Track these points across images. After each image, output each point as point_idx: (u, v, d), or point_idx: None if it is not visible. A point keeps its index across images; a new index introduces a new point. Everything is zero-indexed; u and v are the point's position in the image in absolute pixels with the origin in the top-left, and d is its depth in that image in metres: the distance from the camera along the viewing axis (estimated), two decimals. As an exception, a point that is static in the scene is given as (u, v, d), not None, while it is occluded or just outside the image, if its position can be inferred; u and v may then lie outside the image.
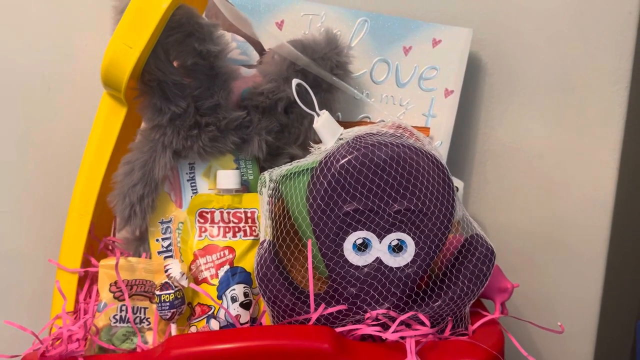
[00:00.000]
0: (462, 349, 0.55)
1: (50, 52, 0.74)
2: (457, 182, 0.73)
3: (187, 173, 0.63)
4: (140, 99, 0.58)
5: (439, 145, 0.76)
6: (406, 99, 0.75)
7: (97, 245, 0.65)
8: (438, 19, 0.76)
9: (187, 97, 0.59)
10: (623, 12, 0.78)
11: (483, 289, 0.58)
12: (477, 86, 0.80)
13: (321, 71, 0.65)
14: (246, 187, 0.65)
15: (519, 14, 0.78)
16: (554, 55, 0.80)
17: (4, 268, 0.77)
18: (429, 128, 0.75)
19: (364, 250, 0.55)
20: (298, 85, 0.57)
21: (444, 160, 0.56)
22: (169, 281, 0.58)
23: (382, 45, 0.74)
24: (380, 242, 0.55)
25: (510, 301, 0.86)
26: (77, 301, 0.62)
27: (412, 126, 0.74)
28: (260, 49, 0.72)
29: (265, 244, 0.56)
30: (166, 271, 0.59)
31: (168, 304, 0.57)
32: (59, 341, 0.56)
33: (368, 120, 0.75)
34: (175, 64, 0.59)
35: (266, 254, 0.56)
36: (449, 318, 0.57)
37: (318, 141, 0.59)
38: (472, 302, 0.58)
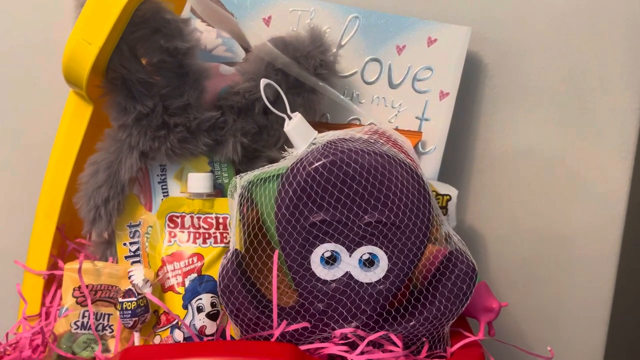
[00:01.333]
0: (435, 374, 0.51)
1: (35, 48, 0.72)
2: (451, 191, 0.69)
3: (158, 175, 0.61)
4: (106, 97, 0.56)
5: (432, 151, 0.71)
6: (398, 100, 0.71)
7: (67, 248, 0.63)
8: (434, 17, 0.72)
9: (154, 96, 0.56)
10: (636, 11, 0.72)
11: (463, 308, 0.53)
12: (476, 88, 0.75)
13: (302, 72, 0.61)
14: (220, 190, 0.62)
15: (523, 12, 0.73)
16: (562, 56, 0.74)
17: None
18: (421, 132, 0.71)
19: (332, 264, 0.51)
20: (269, 85, 0.54)
21: (421, 170, 0.52)
22: (132, 288, 0.56)
23: (374, 44, 0.70)
24: (350, 256, 0.51)
25: (514, 316, 0.82)
26: (43, 305, 0.60)
27: (404, 130, 0.71)
28: (247, 47, 0.69)
29: (229, 255, 0.53)
30: (130, 277, 0.57)
31: (130, 312, 0.55)
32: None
33: (358, 123, 0.72)
34: (143, 61, 0.57)
35: (229, 265, 0.53)
36: (424, 339, 0.53)
37: (296, 145, 0.55)
38: (450, 322, 0.54)
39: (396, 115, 0.71)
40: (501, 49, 0.74)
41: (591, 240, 0.78)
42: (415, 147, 0.71)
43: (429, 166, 0.72)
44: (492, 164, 0.78)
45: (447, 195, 0.69)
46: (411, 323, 0.53)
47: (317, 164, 0.50)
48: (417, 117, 0.71)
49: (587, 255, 0.78)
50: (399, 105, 0.71)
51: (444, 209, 0.69)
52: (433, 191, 0.67)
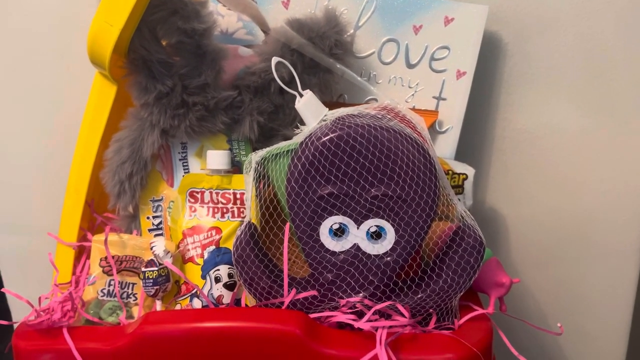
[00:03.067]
0: (441, 344, 0.52)
1: (69, 32, 0.76)
2: (468, 170, 0.70)
3: (179, 152, 0.64)
4: (128, 77, 0.59)
5: (450, 130, 0.72)
6: (415, 80, 0.72)
7: (96, 221, 0.67)
8: (451, -4, 0.72)
9: (173, 75, 0.59)
10: (661, -14, 0.70)
11: (471, 282, 0.54)
12: (495, 68, 0.75)
13: (317, 53, 0.63)
14: (238, 168, 0.64)
15: (543, -11, 0.73)
16: (583, 33, 0.73)
17: (23, 239, 0.81)
18: (438, 112, 0.72)
19: (340, 236, 0.53)
20: (283, 64, 0.56)
21: (428, 145, 0.53)
22: (154, 258, 0.59)
23: (390, 24, 0.71)
24: (357, 228, 0.53)
25: (534, 296, 0.82)
26: (73, 273, 0.64)
27: (421, 110, 0.72)
28: (266, 30, 0.71)
29: (243, 226, 0.56)
30: (151, 248, 0.60)
31: (151, 280, 0.58)
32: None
33: (375, 104, 0.73)
34: (163, 42, 0.59)
35: (242, 236, 0.55)
36: (432, 311, 0.54)
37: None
38: (458, 295, 0.55)
39: (413, 95, 0.72)
40: (520, 28, 0.73)
41: (612, 221, 0.77)
42: (432, 126, 0.72)
43: (445, 145, 0.72)
44: (511, 143, 0.77)
45: (463, 174, 0.69)
46: (418, 295, 0.54)
47: (325, 139, 0.51)
48: (434, 97, 0.72)
49: (608, 236, 0.77)
50: (416, 85, 0.72)
51: (460, 187, 0.69)
52: (449, 170, 0.68)
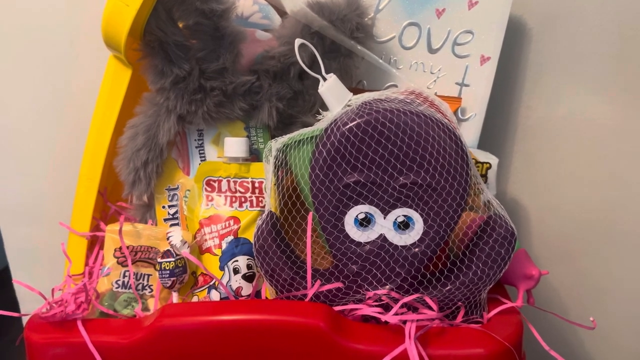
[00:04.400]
0: (471, 338, 0.50)
1: (80, 16, 0.74)
2: (491, 159, 0.68)
3: (195, 140, 0.61)
4: (143, 60, 0.57)
5: (473, 118, 0.70)
6: (438, 66, 0.69)
7: (109, 210, 0.65)
8: (476, -22, 0.69)
9: (190, 59, 0.56)
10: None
11: (501, 274, 0.52)
12: (520, 53, 0.73)
13: (338, 35, 0.61)
14: (256, 156, 0.62)
15: (571, -29, 0.70)
16: (611, 18, 0.70)
17: (34, 229, 0.79)
18: (461, 98, 0.69)
19: (366, 226, 0.51)
20: (305, 46, 0.53)
21: (459, 131, 0.51)
22: (170, 249, 0.57)
23: (412, 8, 0.68)
24: (384, 218, 0.51)
25: (557, 288, 0.79)
26: (86, 264, 0.62)
27: (444, 96, 0.69)
28: (283, 13, 0.68)
29: (264, 216, 0.54)
30: (168, 238, 0.58)
31: (168, 271, 0.56)
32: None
33: (400, 89, 0.70)
34: (180, 24, 0.57)
35: (264, 225, 0.53)
36: (460, 304, 0.52)
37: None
38: (488, 288, 0.52)
39: (435, 80, 0.70)
40: (546, 12, 0.71)
41: (638, 212, 0.75)
42: (455, 113, 0.69)
43: (468, 133, 0.70)
44: (535, 132, 0.75)
45: (486, 163, 0.67)
46: (447, 287, 0.52)
47: (351, 124, 0.49)
48: (456, 83, 0.70)
49: (634, 227, 0.75)
50: (438, 71, 0.69)
51: (484, 177, 0.67)
52: (472, 159, 0.66)
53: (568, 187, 0.76)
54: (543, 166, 0.76)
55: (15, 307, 0.84)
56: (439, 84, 0.70)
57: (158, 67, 0.56)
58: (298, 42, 0.52)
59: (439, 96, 0.68)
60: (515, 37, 0.71)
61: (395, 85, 0.70)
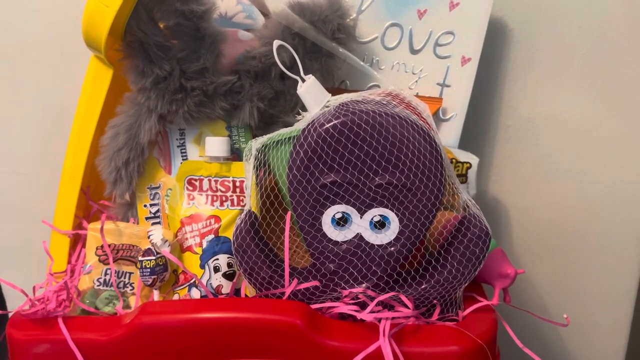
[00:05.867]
0: (445, 335, 0.51)
1: (63, 14, 0.74)
2: (471, 158, 0.68)
3: (177, 139, 0.62)
4: (124, 61, 0.57)
5: (453, 118, 0.71)
6: (419, 66, 0.70)
7: (92, 209, 0.66)
8: (457, -20, 0.70)
9: (171, 59, 0.57)
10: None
11: (476, 273, 0.53)
12: (500, 54, 0.74)
13: (319, 36, 0.61)
14: (237, 155, 0.63)
15: (550, -27, 0.71)
16: (591, 20, 0.71)
17: (19, 227, 0.79)
18: (442, 99, 0.70)
19: (343, 225, 0.52)
20: (285, 49, 0.54)
21: (435, 132, 0.51)
22: (152, 247, 0.57)
23: (394, 9, 0.69)
24: (361, 218, 0.52)
25: (536, 287, 0.81)
26: (68, 262, 0.62)
27: (425, 97, 0.70)
28: (267, 13, 0.69)
29: (243, 215, 0.54)
30: (149, 237, 0.58)
31: (149, 270, 0.57)
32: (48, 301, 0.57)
33: (378, 90, 0.71)
34: (161, 25, 0.57)
35: (242, 224, 0.54)
36: (436, 302, 0.53)
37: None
38: (463, 286, 0.53)
39: (417, 81, 0.71)
40: (526, 13, 0.72)
41: (616, 212, 0.76)
42: (436, 113, 0.70)
43: (449, 133, 0.71)
44: (515, 132, 0.76)
45: (467, 162, 0.68)
46: (422, 286, 0.53)
47: (327, 125, 0.50)
48: (438, 84, 0.70)
49: (611, 227, 0.76)
50: (420, 71, 0.70)
51: (464, 176, 0.68)
52: (452, 158, 0.67)
53: (547, 186, 0.77)
54: (523, 166, 0.77)
55: (2, 305, 0.85)
56: (420, 84, 0.71)
57: (139, 67, 0.56)
58: (276, 43, 0.53)
59: (420, 97, 0.69)
60: (496, 38, 0.72)
61: (378, 86, 0.71)
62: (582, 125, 0.75)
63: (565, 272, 0.80)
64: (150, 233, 0.58)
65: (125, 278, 0.60)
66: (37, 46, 0.75)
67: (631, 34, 0.71)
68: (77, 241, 0.64)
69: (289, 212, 0.53)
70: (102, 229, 0.58)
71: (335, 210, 0.51)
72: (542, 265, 0.80)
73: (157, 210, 0.62)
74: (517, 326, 0.57)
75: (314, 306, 0.53)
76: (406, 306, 0.52)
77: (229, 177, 0.61)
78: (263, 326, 0.51)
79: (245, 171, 0.57)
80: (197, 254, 0.59)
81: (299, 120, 0.55)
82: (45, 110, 0.76)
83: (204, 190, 0.61)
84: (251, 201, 0.56)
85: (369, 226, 0.52)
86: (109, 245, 0.59)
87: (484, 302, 0.55)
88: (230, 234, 0.59)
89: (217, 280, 0.58)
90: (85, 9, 0.52)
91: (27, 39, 0.75)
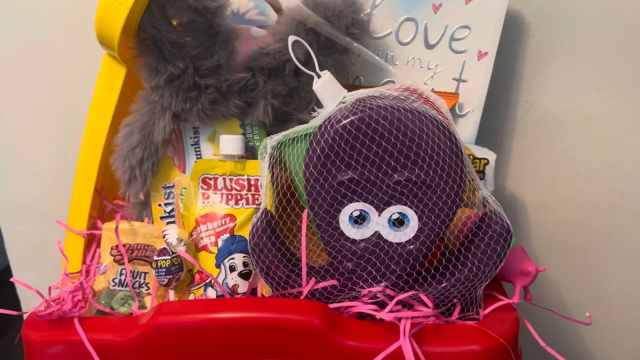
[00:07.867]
0: (466, 335, 0.50)
1: (76, 12, 0.74)
2: (489, 154, 0.67)
3: (191, 137, 0.61)
4: (138, 58, 0.56)
5: (470, 113, 0.69)
6: (435, 61, 0.69)
7: (106, 208, 0.65)
8: (473, -27, 0.69)
9: (185, 57, 0.56)
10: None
11: (497, 270, 0.52)
12: (517, 48, 0.72)
13: (333, 31, 0.60)
14: (252, 153, 0.62)
15: (568, -35, 0.70)
16: (609, 11, 0.70)
17: (33, 228, 0.79)
18: (458, 94, 0.69)
19: (361, 223, 0.51)
20: (300, 43, 0.53)
21: (454, 128, 0.50)
22: (167, 247, 0.57)
23: (409, 3, 0.68)
24: (379, 215, 0.51)
25: (554, 284, 0.79)
26: (83, 262, 0.62)
27: (441, 92, 0.69)
28: (278, 9, 0.68)
29: (259, 213, 0.54)
30: (164, 236, 0.58)
31: (164, 269, 0.56)
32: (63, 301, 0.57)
33: (395, 85, 0.70)
34: (174, 22, 0.57)
35: (259, 223, 0.53)
36: (456, 301, 0.52)
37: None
38: (484, 284, 0.52)
39: (432, 76, 0.69)
40: (544, 6, 0.70)
41: (637, 209, 0.74)
42: (452, 109, 0.69)
43: (466, 129, 0.70)
44: (533, 128, 0.75)
45: (484, 159, 0.67)
46: (442, 284, 0.52)
47: (345, 122, 0.49)
48: (454, 79, 0.69)
49: (633, 225, 0.75)
50: (435, 67, 0.69)
51: (481, 173, 0.67)
52: (470, 155, 0.66)
53: (566, 182, 0.76)
54: (541, 162, 0.75)
55: (17, 305, 0.85)
56: (436, 79, 0.69)
57: (152, 65, 0.56)
58: (291, 39, 0.52)
59: (436, 92, 0.68)
60: (513, 32, 0.71)
61: (392, 81, 0.70)
62: (602, 119, 0.73)
63: (585, 270, 0.78)
64: (165, 232, 0.58)
65: (140, 278, 0.59)
66: (50, 45, 0.74)
67: (652, 26, 0.69)
68: (92, 241, 0.63)
69: (306, 210, 0.53)
70: (116, 228, 0.58)
71: (352, 208, 0.51)
72: (561, 263, 0.79)
73: (172, 210, 0.62)
74: (538, 325, 0.56)
75: (332, 306, 0.52)
76: (426, 305, 0.51)
77: (243, 175, 0.60)
78: (280, 326, 0.50)
79: (260, 169, 0.56)
80: (212, 253, 0.58)
81: (314, 116, 0.55)
82: (58, 110, 0.76)
83: (218, 189, 0.60)
84: (267, 200, 0.55)
85: (388, 224, 0.51)
86: (124, 245, 0.59)
87: (505, 301, 0.54)
88: (245, 232, 0.59)
89: (233, 279, 0.57)
90: (98, 8, 0.52)
91: (40, 39, 0.74)
